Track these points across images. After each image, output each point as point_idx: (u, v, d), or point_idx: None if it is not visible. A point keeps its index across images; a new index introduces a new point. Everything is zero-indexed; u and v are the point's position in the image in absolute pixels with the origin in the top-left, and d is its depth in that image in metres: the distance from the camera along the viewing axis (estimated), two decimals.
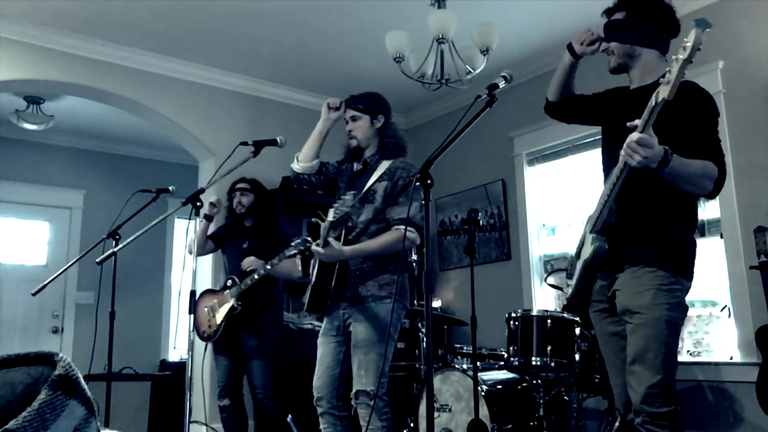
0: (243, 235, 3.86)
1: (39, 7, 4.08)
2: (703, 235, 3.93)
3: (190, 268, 2.91)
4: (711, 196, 1.97)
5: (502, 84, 2.01)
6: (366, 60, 4.87)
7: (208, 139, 5.03)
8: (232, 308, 3.63)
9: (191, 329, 2.75)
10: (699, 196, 2.01)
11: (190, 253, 3.60)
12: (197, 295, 3.70)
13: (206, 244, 3.88)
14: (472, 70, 3.70)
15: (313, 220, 2.70)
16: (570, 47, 2.27)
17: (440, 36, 3.52)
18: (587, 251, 2.06)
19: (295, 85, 5.38)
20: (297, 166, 2.88)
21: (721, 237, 3.80)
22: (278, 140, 2.93)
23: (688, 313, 3.98)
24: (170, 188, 3.50)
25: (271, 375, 3.78)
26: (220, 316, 3.67)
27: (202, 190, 2.92)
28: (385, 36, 3.69)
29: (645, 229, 2.01)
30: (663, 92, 1.67)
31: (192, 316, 2.75)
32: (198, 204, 2.84)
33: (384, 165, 2.76)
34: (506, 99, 4.58)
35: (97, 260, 2.99)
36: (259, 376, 3.71)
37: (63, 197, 6.41)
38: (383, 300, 2.67)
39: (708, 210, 3.94)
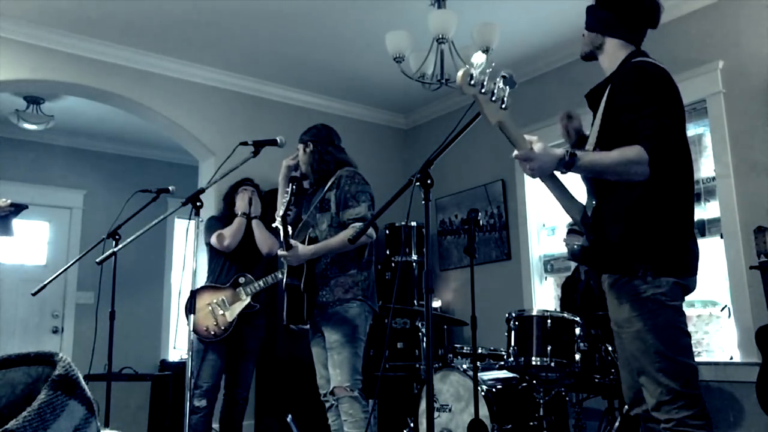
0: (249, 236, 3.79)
1: (39, 7, 4.08)
2: (703, 235, 3.93)
3: (190, 268, 2.90)
4: (657, 176, 1.83)
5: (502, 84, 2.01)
6: (366, 60, 4.87)
7: (208, 139, 5.03)
8: (249, 306, 3.60)
9: (191, 329, 2.74)
10: (636, 182, 1.85)
11: (228, 248, 3.64)
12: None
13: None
14: None
15: (274, 225, 3.01)
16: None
17: (440, 36, 3.52)
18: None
19: (295, 85, 5.38)
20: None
21: (721, 237, 3.80)
22: (278, 140, 2.94)
23: (689, 313, 4.00)
24: (170, 188, 3.49)
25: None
26: (232, 314, 3.57)
27: (202, 190, 2.91)
28: (385, 36, 3.69)
29: (619, 233, 1.95)
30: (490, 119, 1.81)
31: (191, 315, 2.75)
32: (198, 204, 2.84)
33: (330, 179, 3.06)
34: None
35: (97, 260, 2.98)
36: (248, 376, 3.73)
37: (63, 197, 6.41)
38: (349, 302, 2.91)
39: (708, 210, 3.95)
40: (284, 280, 3.01)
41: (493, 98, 1.79)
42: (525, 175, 5.60)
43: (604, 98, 2.01)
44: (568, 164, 1.85)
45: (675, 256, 1.93)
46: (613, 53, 2.08)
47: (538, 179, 1.99)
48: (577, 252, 2.03)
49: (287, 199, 2.92)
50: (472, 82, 1.76)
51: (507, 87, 1.81)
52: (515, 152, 1.86)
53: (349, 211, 2.94)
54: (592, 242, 1.98)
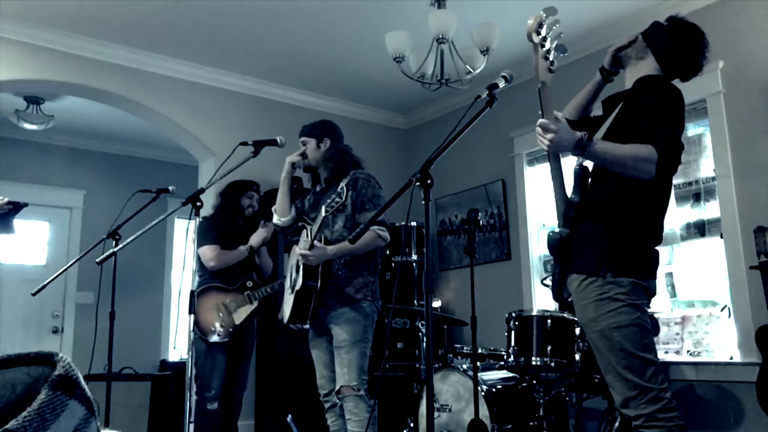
0: (245, 239, 3.83)
1: (39, 7, 4.08)
2: (703, 235, 3.93)
3: (190, 268, 2.90)
4: (648, 181, 1.91)
5: (502, 84, 2.02)
6: (366, 60, 4.87)
7: (208, 139, 5.03)
8: (256, 311, 3.70)
9: (191, 329, 2.74)
10: (642, 179, 1.90)
11: (211, 269, 3.66)
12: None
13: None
14: (472, 70, 3.70)
15: (300, 224, 3.01)
16: (602, 69, 2.32)
17: (440, 36, 3.52)
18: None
19: (295, 85, 5.38)
20: (280, 222, 3.16)
21: (721, 237, 3.80)
22: (278, 140, 2.94)
23: (688, 313, 4.00)
24: (170, 188, 3.50)
25: None
26: (239, 317, 3.65)
27: (202, 190, 2.91)
28: (385, 36, 3.69)
29: (592, 233, 2.05)
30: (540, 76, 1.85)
31: (192, 315, 2.75)
32: (198, 204, 2.84)
33: (344, 179, 3.02)
34: (506, 99, 4.58)
35: (97, 260, 2.98)
36: (246, 376, 3.84)
37: (63, 197, 6.41)
38: (360, 302, 2.92)
39: (708, 210, 3.94)
40: (299, 281, 2.94)
41: (549, 57, 1.83)
42: (525, 175, 5.59)
43: (619, 107, 2.08)
44: (583, 146, 1.87)
45: (635, 259, 2.02)
46: (643, 72, 2.14)
47: (535, 173, 2.04)
48: (555, 243, 2.12)
49: (341, 200, 2.79)
50: (542, 33, 1.78)
51: (558, 53, 1.86)
52: (540, 119, 1.87)
53: (367, 214, 2.94)
54: (567, 236, 2.09)
